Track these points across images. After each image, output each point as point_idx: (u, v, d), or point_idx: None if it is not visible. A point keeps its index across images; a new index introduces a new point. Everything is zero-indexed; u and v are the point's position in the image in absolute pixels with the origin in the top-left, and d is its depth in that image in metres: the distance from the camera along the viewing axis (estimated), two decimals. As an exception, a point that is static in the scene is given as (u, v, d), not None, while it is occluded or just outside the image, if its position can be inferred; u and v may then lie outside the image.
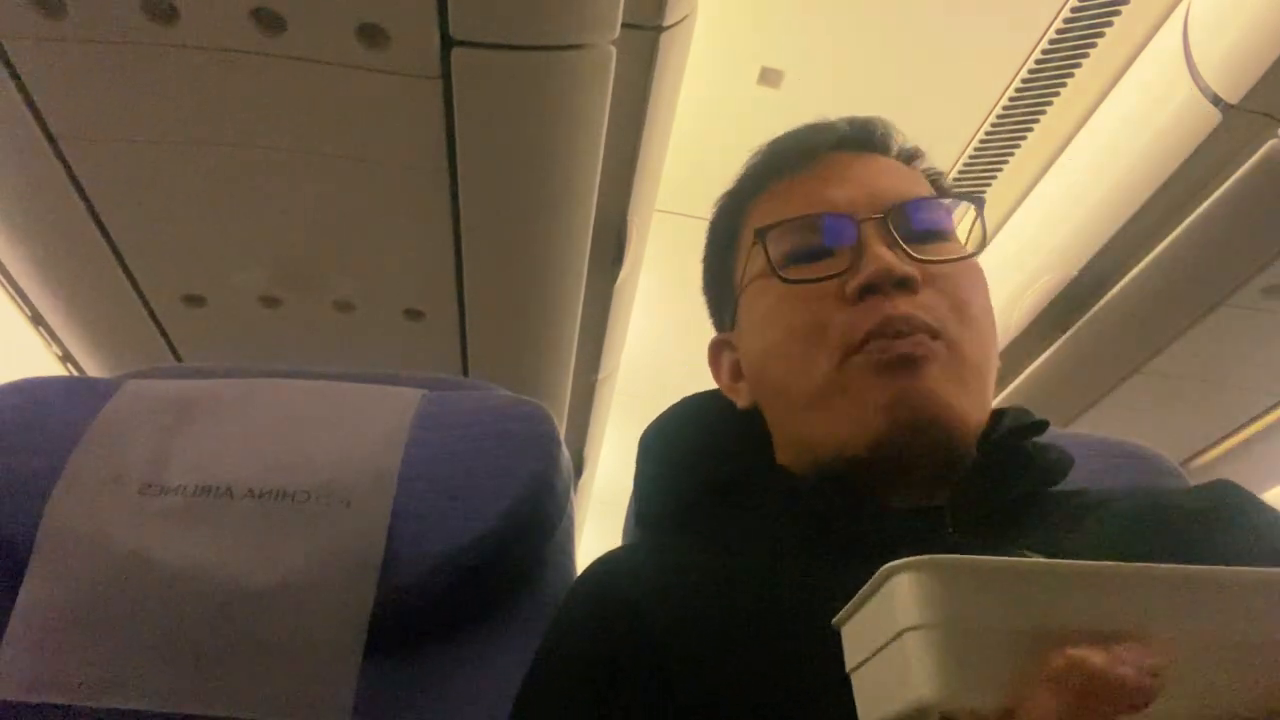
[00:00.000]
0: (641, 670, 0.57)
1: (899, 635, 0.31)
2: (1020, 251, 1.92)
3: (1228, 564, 0.32)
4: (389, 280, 1.63)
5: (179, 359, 1.80)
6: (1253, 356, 1.93)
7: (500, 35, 1.13)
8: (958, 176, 1.93)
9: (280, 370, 0.88)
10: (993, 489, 0.62)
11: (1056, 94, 1.80)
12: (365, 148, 1.33)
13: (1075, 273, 1.89)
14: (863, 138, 0.73)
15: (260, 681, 0.66)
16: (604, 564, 0.67)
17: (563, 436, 0.82)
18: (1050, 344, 2.06)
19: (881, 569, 0.32)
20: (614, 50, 1.19)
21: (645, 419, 0.79)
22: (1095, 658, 0.30)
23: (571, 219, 1.46)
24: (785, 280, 0.66)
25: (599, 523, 3.63)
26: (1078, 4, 1.62)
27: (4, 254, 1.55)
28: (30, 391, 0.80)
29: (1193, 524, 0.60)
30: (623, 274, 1.87)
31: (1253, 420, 2.16)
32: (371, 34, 1.14)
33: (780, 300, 0.67)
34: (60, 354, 1.83)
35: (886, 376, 0.61)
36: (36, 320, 1.74)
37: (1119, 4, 1.60)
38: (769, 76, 1.90)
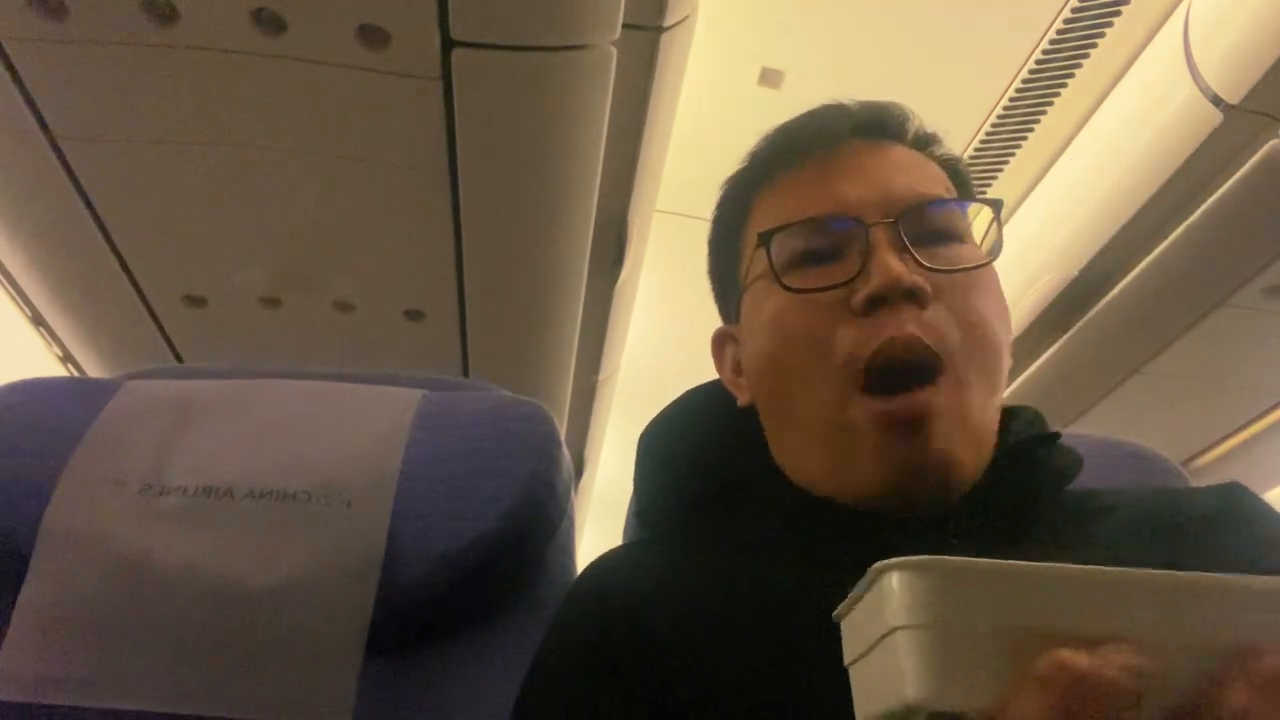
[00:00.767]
0: (640, 668, 0.57)
1: (889, 634, 0.31)
2: (1021, 251, 1.93)
3: (1235, 570, 0.33)
4: (389, 281, 1.63)
5: (179, 359, 1.80)
6: (1253, 357, 1.93)
7: (500, 36, 1.13)
8: (958, 177, 1.92)
9: (281, 371, 0.88)
10: (1000, 496, 0.61)
11: (1057, 94, 1.80)
12: (366, 148, 1.33)
13: (1076, 273, 1.89)
14: (877, 124, 0.69)
15: (261, 681, 0.66)
16: (603, 563, 0.67)
17: (563, 437, 0.82)
18: (1051, 344, 2.06)
19: (873, 567, 0.33)
20: (614, 51, 1.19)
21: (646, 420, 0.78)
22: (1081, 659, 0.30)
23: (572, 219, 1.46)
24: (788, 289, 0.64)
25: (599, 523, 3.63)
26: (1078, 4, 1.62)
27: (5, 254, 1.55)
28: (31, 392, 0.80)
29: (1202, 528, 0.59)
30: (623, 274, 1.87)
31: (1253, 420, 2.16)
32: (372, 35, 1.14)
33: (782, 308, 0.64)
34: (61, 354, 1.83)
35: (889, 433, 0.59)
36: (37, 321, 1.74)
37: (1119, 4, 1.61)
38: (770, 77, 1.90)
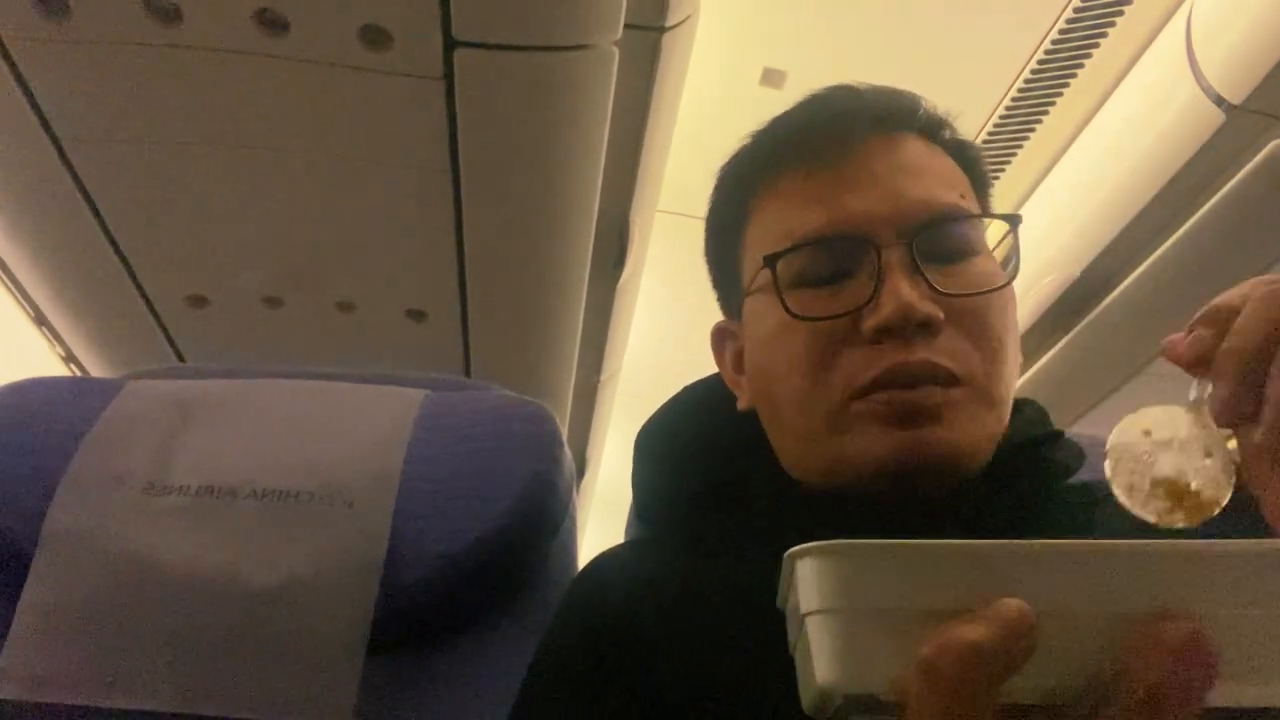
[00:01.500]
0: (637, 669, 0.57)
1: (804, 621, 0.32)
2: (1023, 252, 1.92)
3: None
4: (391, 281, 1.63)
5: (182, 359, 1.81)
6: (1255, 357, 1.92)
7: (503, 36, 1.14)
8: (960, 177, 1.92)
9: (283, 370, 0.88)
10: (1002, 489, 0.60)
11: (1059, 94, 1.80)
12: (368, 149, 1.33)
13: (1078, 273, 1.89)
14: (888, 114, 0.65)
15: (262, 681, 0.66)
16: (600, 563, 0.68)
17: (565, 437, 0.82)
18: (1053, 344, 2.06)
19: (785, 554, 0.33)
20: (616, 51, 1.19)
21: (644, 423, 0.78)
22: (966, 631, 0.29)
23: (574, 219, 1.46)
24: (794, 315, 0.61)
25: (601, 523, 3.63)
26: (1080, 4, 1.62)
27: (7, 254, 1.55)
28: (33, 391, 0.80)
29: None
30: (625, 275, 1.87)
31: (1255, 421, 2.15)
32: (374, 35, 1.14)
33: (786, 329, 0.62)
34: (63, 354, 1.83)
35: (893, 426, 0.57)
36: (40, 320, 1.74)
37: (1121, 4, 1.60)
38: (772, 77, 1.90)
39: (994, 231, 0.67)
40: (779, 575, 0.35)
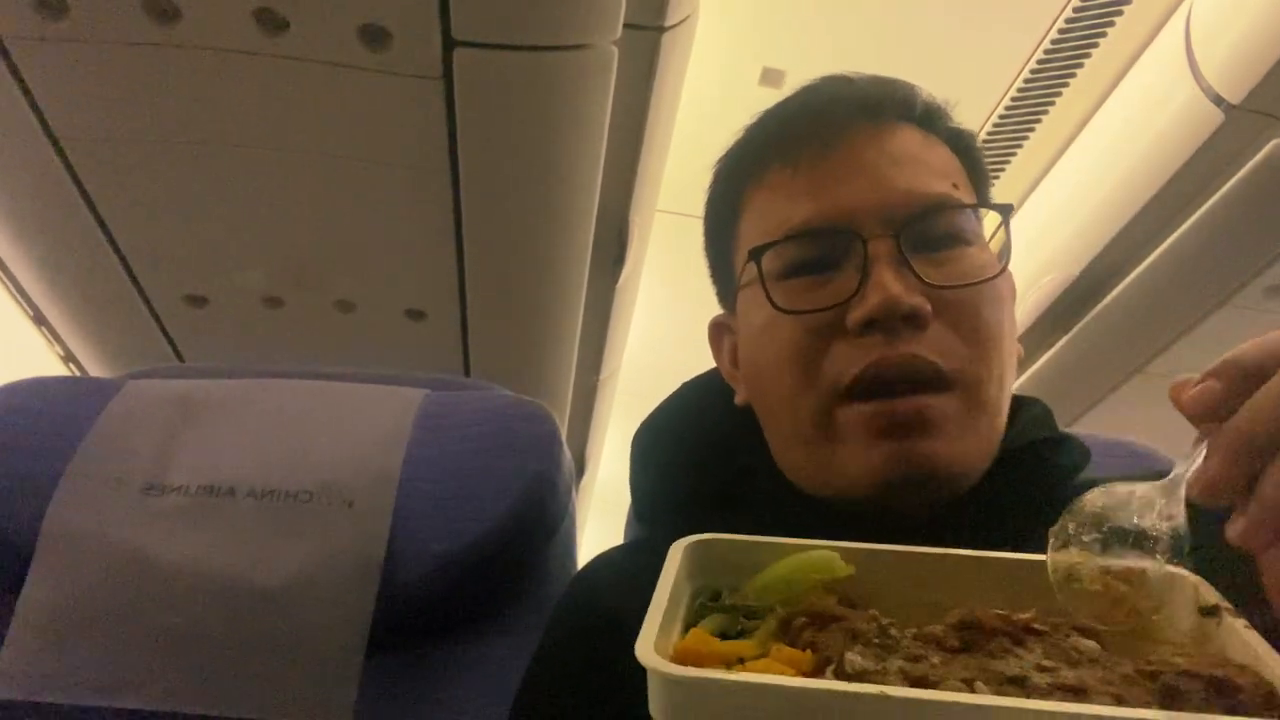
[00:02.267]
0: (628, 674, 0.57)
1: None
2: (1022, 251, 1.93)
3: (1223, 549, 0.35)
4: (391, 280, 1.63)
5: (181, 359, 1.80)
6: (1255, 357, 1.92)
7: (502, 36, 1.13)
8: (960, 177, 1.92)
9: (282, 370, 0.88)
10: (1002, 496, 0.59)
11: (1058, 95, 1.80)
12: (367, 148, 1.33)
13: (1077, 273, 1.89)
14: (879, 103, 0.64)
15: (262, 681, 0.66)
16: (595, 566, 0.68)
17: (564, 436, 0.82)
18: (1052, 344, 2.06)
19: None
20: (616, 51, 1.19)
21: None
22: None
23: (573, 219, 1.46)
24: (780, 310, 0.60)
25: (601, 523, 3.63)
26: (1080, 4, 1.62)
27: (6, 254, 1.55)
28: (33, 391, 0.80)
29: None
30: (624, 274, 1.87)
31: (1255, 421, 2.15)
32: (373, 34, 1.14)
33: (773, 323, 0.61)
34: (63, 354, 1.83)
35: (881, 438, 0.57)
36: (39, 320, 1.74)
37: (1121, 4, 1.60)
38: (771, 77, 1.90)
39: (991, 225, 0.66)
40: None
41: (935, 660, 0.34)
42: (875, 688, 0.31)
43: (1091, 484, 0.64)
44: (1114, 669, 0.34)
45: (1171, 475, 0.41)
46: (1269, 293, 1.73)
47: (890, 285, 0.56)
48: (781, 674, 0.33)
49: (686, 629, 0.39)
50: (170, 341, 1.77)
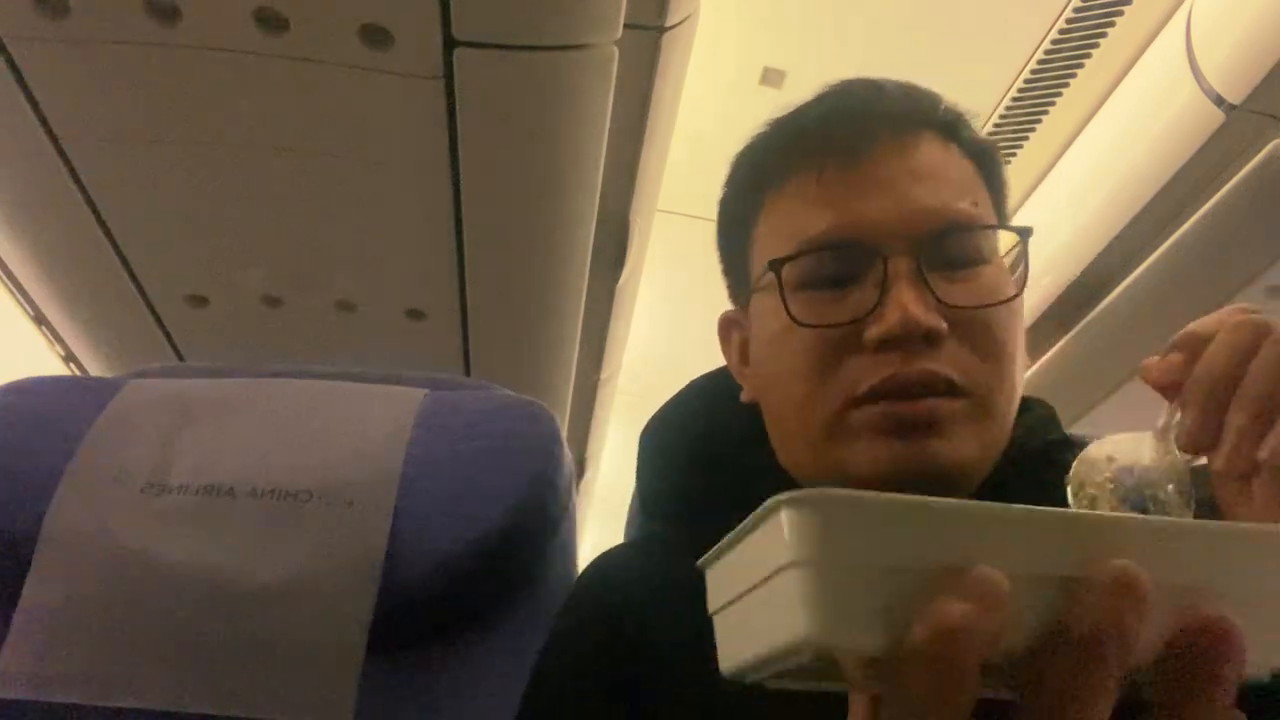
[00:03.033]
0: (639, 675, 0.58)
1: (777, 572, 0.31)
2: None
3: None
4: (391, 280, 1.63)
5: (181, 359, 1.81)
6: (1255, 357, 1.92)
7: (502, 36, 1.14)
8: (960, 177, 1.93)
9: (282, 370, 0.88)
10: (1009, 494, 0.60)
11: (1059, 95, 1.80)
12: (368, 148, 1.33)
13: (1078, 273, 1.89)
14: (906, 113, 0.64)
15: (262, 681, 0.66)
16: (605, 561, 0.68)
17: (564, 436, 0.82)
18: (1053, 344, 2.06)
19: (765, 504, 0.31)
20: (616, 51, 1.19)
21: (648, 419, 0.78)
22: (952, 610, 0.29)
23: (574, 219, 1.46)
24: (798, 323, 0.61)
25: (601, 522, 3.63)
26: (1080, 4, 1.62)
27: (7, 254, 1.55)
28: (33, 391, 0.80)
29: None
30: (625, 274, 1.87)
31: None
32: (374, 34, 1.14)
33: (789, 332, 0.62)
34: (63, 354, 1.83)
35: (890, 437, 0.57)
36: (39, 320, 1.74)
37: (1121, 4, 1.60)
38: (771, 77, 1.90)
39: (1008, 236, 0.67)
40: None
41: None
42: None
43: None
44: None
45: (1160, 425, 0.45)
46: (1269, 293, 1.73)
47: (909, 304, 0.57)
48: None
49: None
50: (170, 341, 1.77)
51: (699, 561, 0.37)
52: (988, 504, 0.31)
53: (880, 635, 0.30)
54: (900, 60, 1.80)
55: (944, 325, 0.57)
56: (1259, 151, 1.50)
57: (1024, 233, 0.64)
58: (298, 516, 0.71)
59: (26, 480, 0.72)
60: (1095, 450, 0.46)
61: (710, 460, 0.71)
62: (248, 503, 0.71)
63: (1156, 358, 0.46)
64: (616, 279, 1.86)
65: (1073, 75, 1.75)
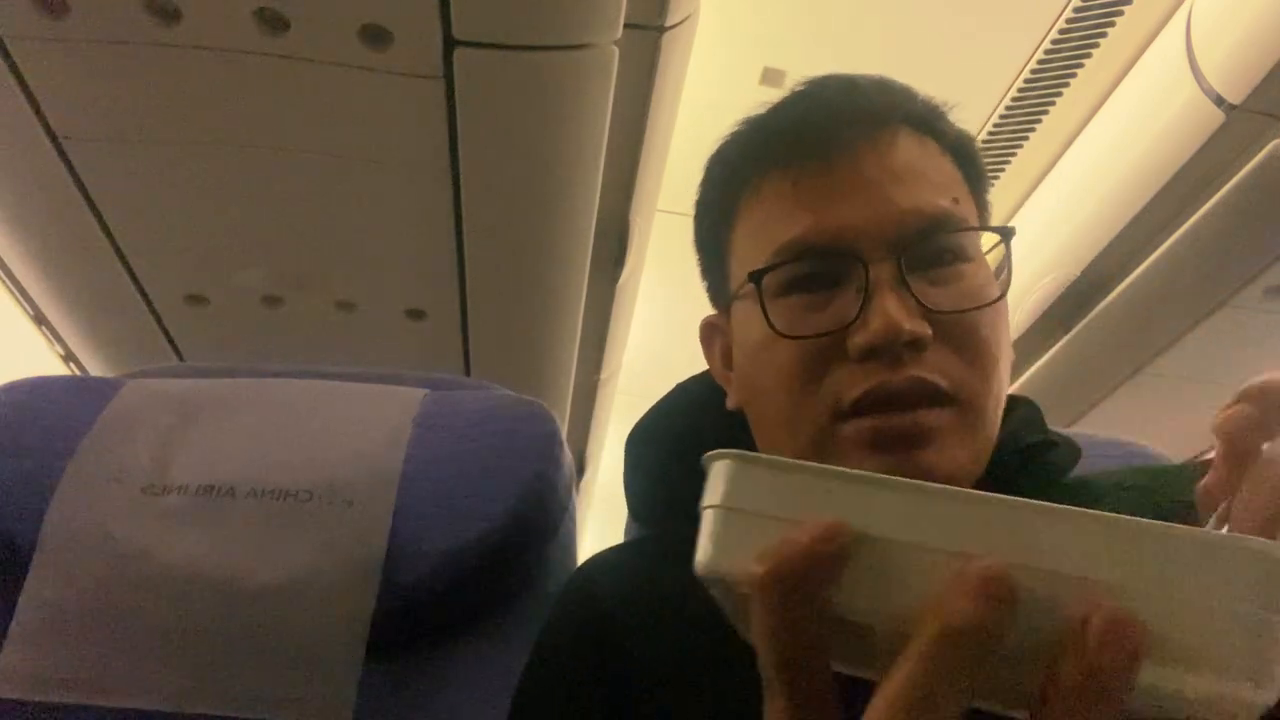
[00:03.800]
0: (623, 675, 0.58)
1: (701, 512, 0.36)
2: (1022, 252, 1.93)
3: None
4: (391, 280, 1.63)
5: (181, 358, 1.81)
6: (1255, 357, 1.93)
7: (503, 35, 1.14)
8: (960, 177, 1.93)
9: (282, 370, 0.88)
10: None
11: (1059, 95, 1.80)
12: (368, 148, 1.33)
13: (1078, 273, 1.89)
14: (880, 110, 0.63)
15: (262, 680, 0.66)
16: (589, 567, 0.68)
17: (565, 436, 0.82)
18: (1052, 345, 2.06)
19: (705, 456, 0.37)
20: (616, 50, 1.19)
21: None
22: (794, 536, 0.31)
23: (574, 219, 1.46)
24: (780, 335, 0.60)
25: (601, 522, 3.63)
26: (1080, 4, 1.62)
27: (7, 253, 1.55)
28: (33, 391, 0.80)
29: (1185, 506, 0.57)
30: (625, 274, 1.87)
31: (1255, 421, 2.15)
32: (374, 34, 1.14)
33: (772, 343, 0.61)
34: (63, 353, 1.83)
35: (879, 451, 0.56)
36: (39, 320, 1.74)
37: (1121, 4, 1.60)
38: (771, 77, 1.90)
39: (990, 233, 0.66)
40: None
41: None
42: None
43: (1082, 483, 0.63)
44: None
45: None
46: (1269, 293, 1.73)
47: (893, 312, 0.56)
48: None
49: None
50: (170, 341, 1.77)
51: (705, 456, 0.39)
52: (882, 475, 0.33)
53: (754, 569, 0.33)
54: (900, 60, 1.81)
55: (929, 331, 0.57)
56: (1259, 151, 1.50)
57: (1005, 233, 0.63)
58: (298, 516, 0.71)
59: (26, 480, 0.72)
60: None
61: (695, 465, 0.70)
62: (248, 503, 0.71)
63: (1226, 410, 0.40)
64: (617, 278, 1.87)
65: (1073, 75, 1.75)
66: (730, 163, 0.68)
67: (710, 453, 0.36)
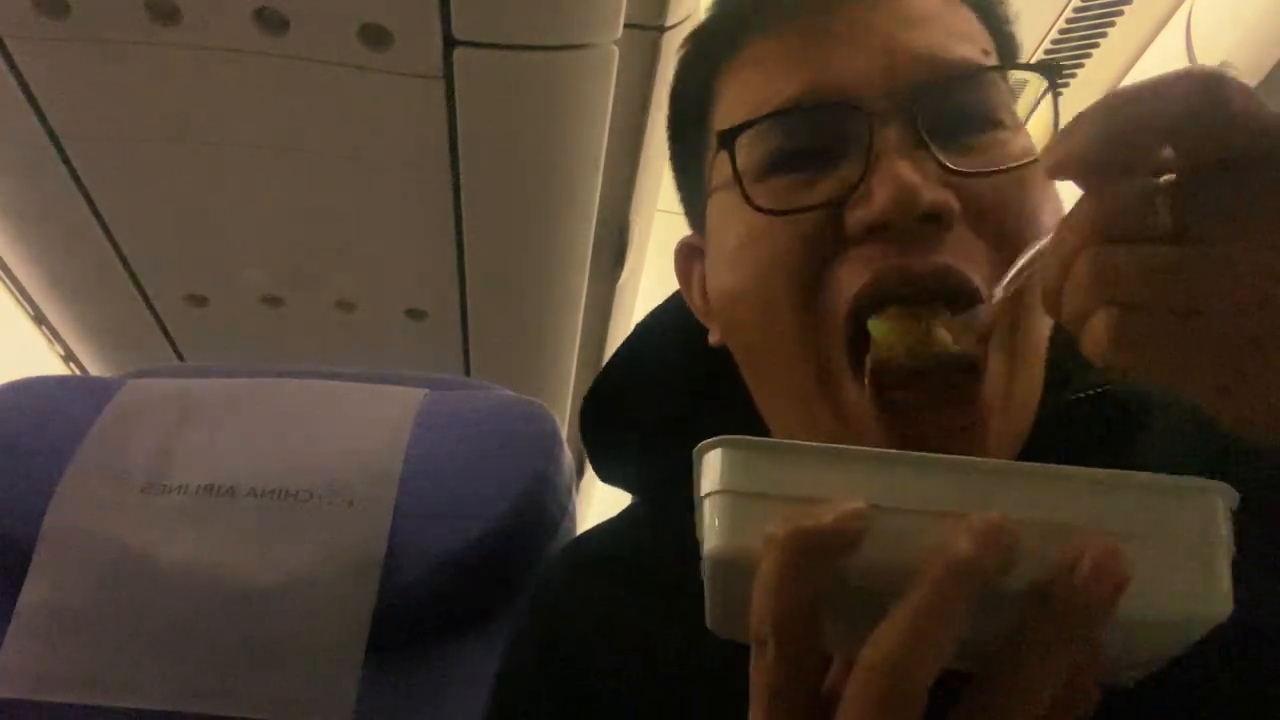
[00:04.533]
0: (584, 680, 0.56)
1: (700, 502, 0.36)
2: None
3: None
4: (391, 280, 1.63)
5: (181, 358, 1.81)
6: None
7: (502, 35, 1.13)
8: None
9: (282, 370, 0.88)
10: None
11: (1059, 95, 1.80)
12: (368, 147, 1.33)
13: (1077, 273, 1.89)
14: None
15: (262, 680, 0.66)
16: (562, 554, 0.66)
17: (564, 436, 0.82)
18: (1052, 344, 2.06)
19: (696, 449, 0.36)
20: (616, 50, 1.19)
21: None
22: (808, 516, 0.31)
23: (574, 219, 1.46)
24: (758, 209, 0.46)
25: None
26: (1080, 4, 1.62)
27: (6, 253, 1.55)
28: (33, 391, 0.80)
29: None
30: (625, 274, 1.87)
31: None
32: (374, 34, 1.14)
33: (752, 233, 0.47)
34: (63, 353, 1.83)
35: (907, 416, 0.44)
36: (39, 320, 1.74)
37: (1121, 4, 1.60)
38: (771, 77, 1.89)
39: (1024, 106, 0.54)
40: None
41: None
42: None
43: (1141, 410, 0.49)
44: None
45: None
46: (1269, 293, 1.73)
47: (905, 174, 0.42)
48: None
49: None
50: (170, 341, 1.77)
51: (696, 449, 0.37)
52: (885, 451, 0.34)
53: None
54: (900, 60, 1.81)
55: (953, 201, 0.43)
56: (1259, 151, 1.49)
57: (1050, 74, 0.49)
58: (298, 516, 0.71)
59: (26, 480, 0.72)
60: None
61: (666, 424, 0.58)
62: (248, 502, 0.71)
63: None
64: (616, 279, 1.86)
65: (1073, 75, 1.75)
66: (704, 42, 0.55)
67: (703, 443, 0.35)
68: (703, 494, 0.35)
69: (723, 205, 0.51)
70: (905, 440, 0.44)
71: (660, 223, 2.00)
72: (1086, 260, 0.32)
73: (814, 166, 0.47)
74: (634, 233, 1.76)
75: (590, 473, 0.75)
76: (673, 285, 0.63)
